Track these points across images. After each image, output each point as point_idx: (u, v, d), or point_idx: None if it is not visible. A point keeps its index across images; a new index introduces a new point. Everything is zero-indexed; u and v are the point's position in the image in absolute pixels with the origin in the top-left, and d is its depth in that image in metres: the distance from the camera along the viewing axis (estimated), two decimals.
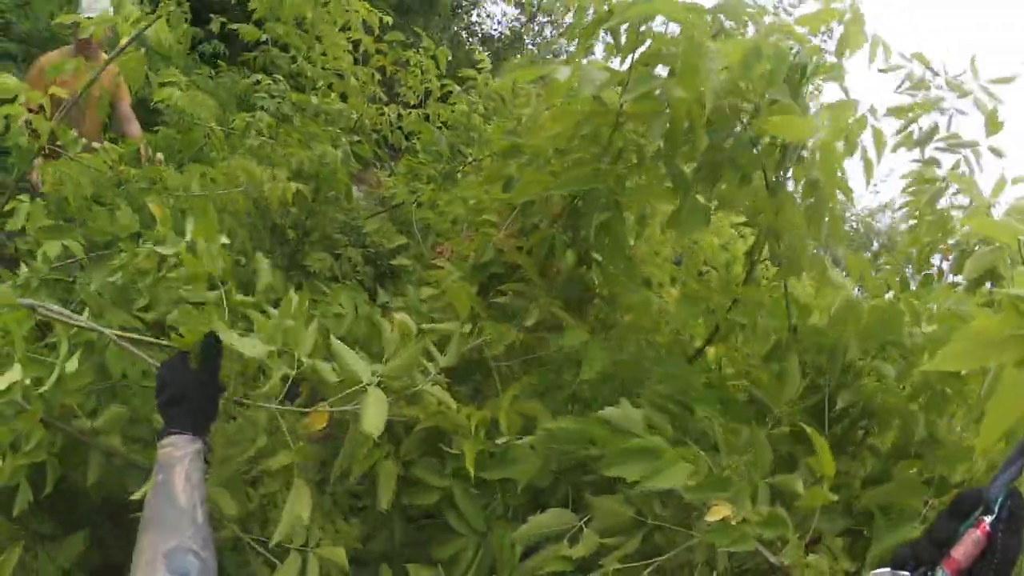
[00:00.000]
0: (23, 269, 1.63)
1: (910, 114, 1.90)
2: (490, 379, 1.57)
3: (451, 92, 3.30)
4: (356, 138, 2.87)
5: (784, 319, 1.49)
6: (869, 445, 1.48)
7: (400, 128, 3.34)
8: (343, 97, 3.22)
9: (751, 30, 1.42)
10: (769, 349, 1.51)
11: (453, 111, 3.26)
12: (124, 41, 1.92)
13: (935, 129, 1.93)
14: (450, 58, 3.39)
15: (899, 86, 1.90)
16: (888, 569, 0.76)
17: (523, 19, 13.07)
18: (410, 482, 1.46)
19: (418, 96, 3.40)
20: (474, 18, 12.72)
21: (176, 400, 1.19)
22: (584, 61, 1.37)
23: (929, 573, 0.73)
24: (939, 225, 1.87)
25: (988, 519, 0.72)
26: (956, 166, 1.93)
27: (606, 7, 1.38)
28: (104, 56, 3.87)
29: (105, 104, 3.92)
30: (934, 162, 1.94)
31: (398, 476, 1.42)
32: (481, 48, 12.26)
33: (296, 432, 1.30)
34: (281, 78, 3.06)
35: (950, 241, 1.88)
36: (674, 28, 1.38)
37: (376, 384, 1.24)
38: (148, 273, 1.61)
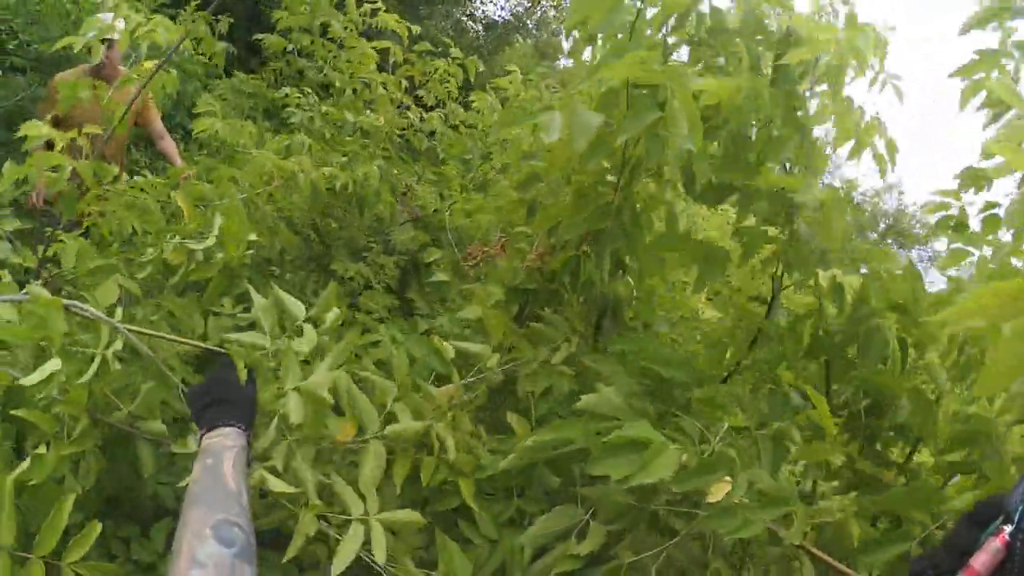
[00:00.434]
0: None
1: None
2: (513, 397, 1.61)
3: (471, 101, 3.36)
4: (388, 153, 2.93)
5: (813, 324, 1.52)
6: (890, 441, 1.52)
7: (420, 130, 3.41)
8: (367, 104, 3.30)
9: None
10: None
11: (478, 112, 3.34)
12: (152, 64, 1.99)
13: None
14: (453, 46, 3.43)
15: None
16: None
17: (526, 3, 13.06)
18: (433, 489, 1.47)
19: (437, 97, 3.47)
20: (476, 3, 12.70)
21: (222, 401, 1.26)
22: (579, 108, 1.26)
23: None
24: None
25: (1008, 528, 0.71)
26: None
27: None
28: (123, 71, 3.79)
29: (126, 124, 3.94)
30: None
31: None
32: (484, 33, 12.27)
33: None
34: (310, 90, 3.14)
35: None
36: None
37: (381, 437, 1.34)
38: (178, 268, 1.69)
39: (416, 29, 3.18)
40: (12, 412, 1.31)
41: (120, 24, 3.57)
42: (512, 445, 1.38)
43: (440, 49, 3.34)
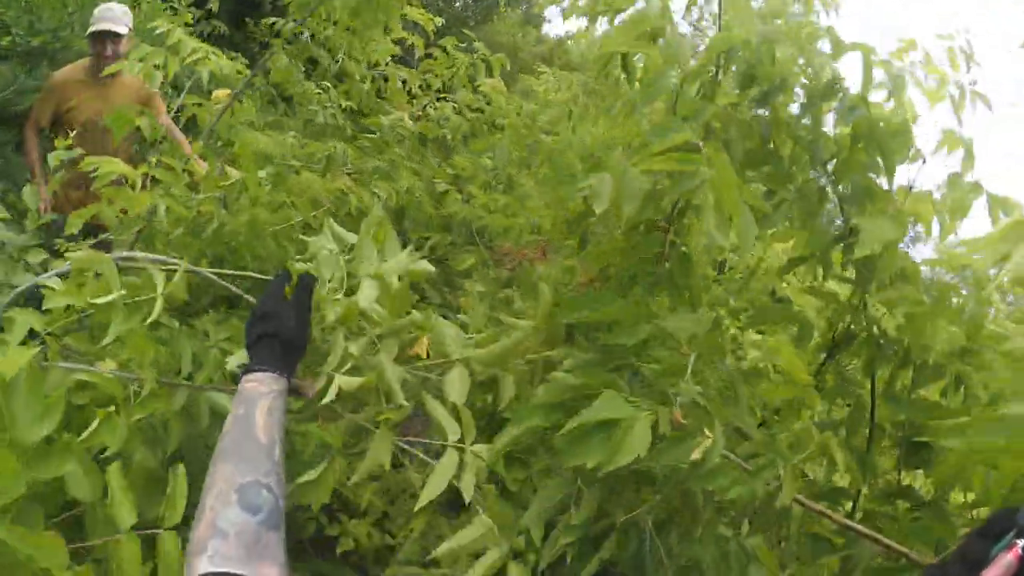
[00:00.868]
0: None
1: None
2: None
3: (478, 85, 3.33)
4: (422, 156, 2.94)
5: None
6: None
7: (432, 120, 3.39)
8: (378, 93, 3.29)
9: None
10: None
11: (488, 101, 3.32)
12: (226, 93, 1.98)
13: None
14: (442, 23, 3.37)
15: None
16: None
17: None
18: None
19: (443, 80, 3.42)
20: None
21: (270, 335, 1.15)
22: (628, 173, 1.22)
23: None
24: None
25: (1021, 543, 0.70)
26: None
27: None
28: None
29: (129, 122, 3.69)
30: None
31: None
32: (472, 3, 11.96)
33: None
34: (330, 85, 3.13)
35: None
36: None
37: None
38: (211, 220, 1.73)
39: (439, 20, 3.14)
40: (78, 378, 1.27)
41: (129, 17, 3.49)
42: None
43: (465, 44, 3.31)
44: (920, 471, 1.53)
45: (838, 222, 1.50)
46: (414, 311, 1.36)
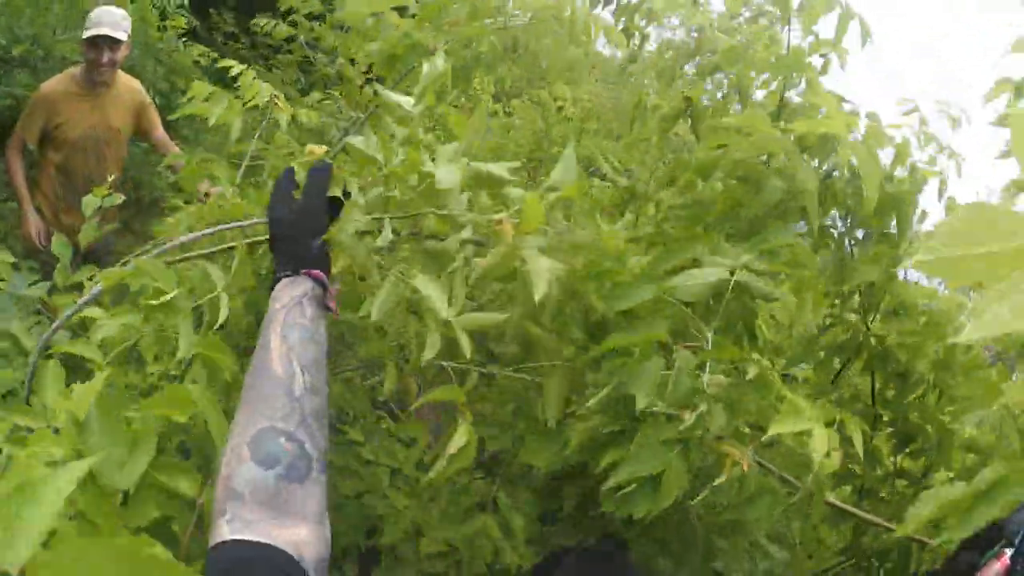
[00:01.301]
0: None
1: None
2: None
3: None
4: None
5: None
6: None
7: None
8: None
9: None
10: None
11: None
12: (323, 150, 1.81)
13: None
14: None
15: None
16: None
17: None
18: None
19: None
20: None
21: (277, 237, 0.99)
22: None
23: None
24: None
25: (1009, 552, 0.71)
26: None
27: None
28: (122, 77, 3.40)
29: (127, 131, 3.43)
30: None
31: None
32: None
33: None
34: (338, 94, 3.21)
35: None
36: None
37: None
38: None
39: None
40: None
41: (128, 23, 3.34)
42: None
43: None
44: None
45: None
46: None
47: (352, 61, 2.37)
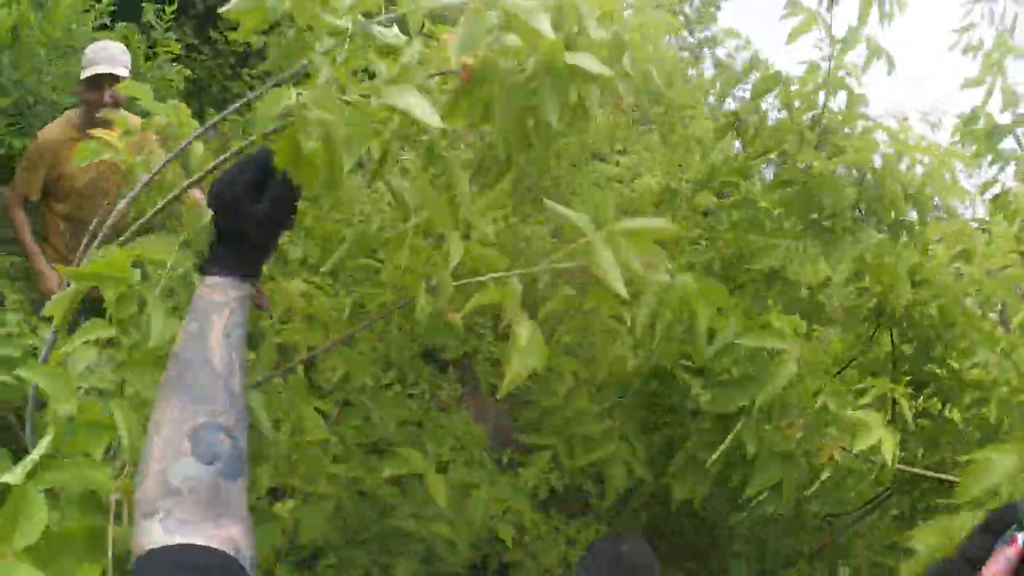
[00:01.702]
0: None
1: None
2: None
3: None
4: None
5: None
6: None
7: None
8: None
9: None
10: None
11: None
12: None
13: None
14: None
15: None
16: None
17: None
18: None
19: None
20: None
21: (235, 233, 0.93)
22: None
23: None
24: None
25: (1021, 536, 0.71)
26: None
27: None
28: (126, 115, 3.06)
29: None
30: None
31: None
32: None
33: None
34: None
35: None
36: None
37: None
38: None
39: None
40: None
41: (127, 57, 3.09)
42: None
43: None
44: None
45: None
46: None
47: None
